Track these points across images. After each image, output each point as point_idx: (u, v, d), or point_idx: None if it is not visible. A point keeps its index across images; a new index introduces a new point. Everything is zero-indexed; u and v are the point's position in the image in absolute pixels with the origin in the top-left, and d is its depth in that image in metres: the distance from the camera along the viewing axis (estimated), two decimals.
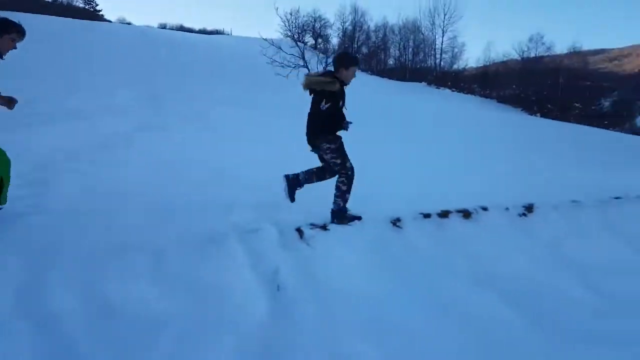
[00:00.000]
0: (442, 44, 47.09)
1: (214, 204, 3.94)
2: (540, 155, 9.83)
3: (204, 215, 3.62)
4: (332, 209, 3.78)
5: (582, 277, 3.96)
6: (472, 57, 59.39)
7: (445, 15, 46.38)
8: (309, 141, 3.82)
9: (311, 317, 2.50)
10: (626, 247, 4.66)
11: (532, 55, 44.41)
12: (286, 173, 3.82)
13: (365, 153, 6.93)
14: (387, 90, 20.71)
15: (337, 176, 3.79)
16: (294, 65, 16.47)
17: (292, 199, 3.80)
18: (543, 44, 44.60)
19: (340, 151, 3.73)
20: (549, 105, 37.10)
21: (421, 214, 4.20)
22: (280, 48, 15.83)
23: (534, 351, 2.62)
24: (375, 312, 2.68)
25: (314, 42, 26.55)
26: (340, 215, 3.76)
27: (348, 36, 47.85)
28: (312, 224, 3.33)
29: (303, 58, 16.54)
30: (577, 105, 39.67)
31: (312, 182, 3.87)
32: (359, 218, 3.84)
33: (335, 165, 3.73)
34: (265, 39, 15.96)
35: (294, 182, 3.81)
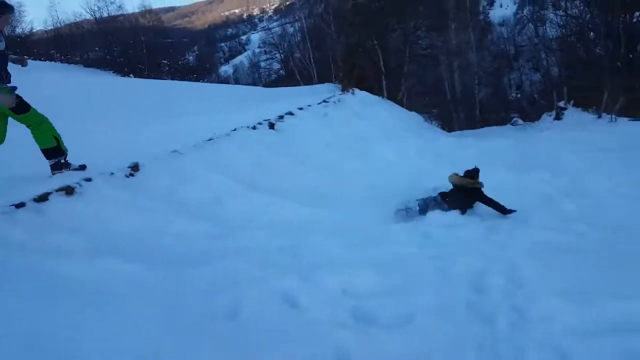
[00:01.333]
0: None
1: None
2: (139, 113, 10.39)
3: None
4: None
5: (196, 212, 4.79)
6: (37, 19, 53.68)
7: None
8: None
9: None
10: (224, 177, 5.83)
11: (106, 15, 43.97)
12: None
13: None
14: None
15: None
16: None
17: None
18: (113, 2, 44.56)
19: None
20: (140, 65, 38.88)
21: (13, 205, 3.76)
22: None
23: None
24: None
25: None
26: None
27: None
28: None
29: None
30: (165, 62, 43.41)
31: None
32: None
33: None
34: None
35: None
